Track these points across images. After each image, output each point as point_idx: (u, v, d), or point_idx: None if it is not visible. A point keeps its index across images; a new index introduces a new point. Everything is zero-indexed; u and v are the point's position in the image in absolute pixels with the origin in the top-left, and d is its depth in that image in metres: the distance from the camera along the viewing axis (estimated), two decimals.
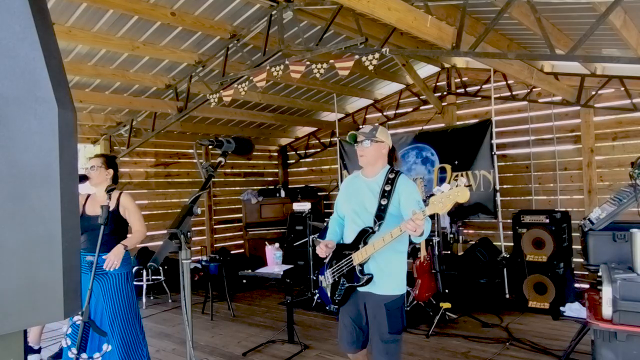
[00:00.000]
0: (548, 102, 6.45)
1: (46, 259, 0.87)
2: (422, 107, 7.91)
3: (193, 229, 1.81)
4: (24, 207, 0.85)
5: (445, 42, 3.82)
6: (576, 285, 5.72)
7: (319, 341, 4.70)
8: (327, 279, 2.86)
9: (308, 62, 4.50)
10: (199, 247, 8.39)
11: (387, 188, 2.66)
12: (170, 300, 6.64)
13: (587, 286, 5.71)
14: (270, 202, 8.50)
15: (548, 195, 6.64)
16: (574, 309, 5.11)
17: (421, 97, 7.76)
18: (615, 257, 3.13)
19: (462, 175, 6.34)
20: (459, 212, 6.29)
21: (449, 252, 6.28)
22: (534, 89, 6.44)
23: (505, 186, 6.90)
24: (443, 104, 7.53)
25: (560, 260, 5.22)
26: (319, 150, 9.50)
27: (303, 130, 9.59)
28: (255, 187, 9.09)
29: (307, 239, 6.39)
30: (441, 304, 5.02)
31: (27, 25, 0.85)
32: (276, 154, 10.08)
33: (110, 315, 3.28)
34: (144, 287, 6.62)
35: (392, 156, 2.83)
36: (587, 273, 5.71)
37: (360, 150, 2.76)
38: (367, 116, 8.61)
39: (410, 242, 2.82)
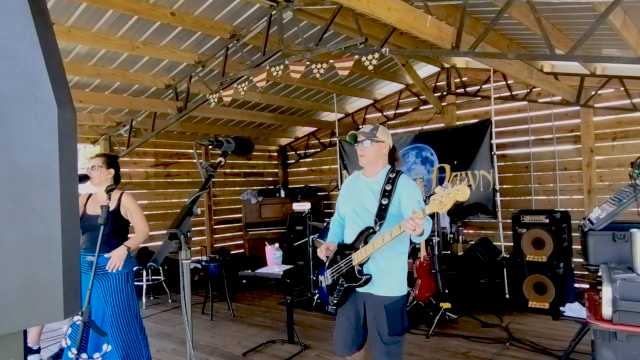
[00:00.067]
0: (548, 102, 6.45)
1: (46, 259, 0.87)
2: (422, 107, 7.91)
3: (193, 229, 1.81)
4: (24, 207, 0.85)
5: (445, 42, 3.82)
6: (576, 285, 5.72)
7: (319, 341, 4.70)
8: (326, 279, 2.85)
9: (308, 62, 4.50)
10: (199, 247, 8.39)
11: (388, 188, 2.65)
12: (170, 300, 6.64)
13: (587, 286, 5.72)
14: (270, 202, 8.50)
15: (548, 195, 6.64)
16: (574, 309, 5.11)
17: (421, 97, 7.76)
18: (615, 257, 3.13)
19: (461, 175, 6.34)
20: (458, 212, 6.29)
21: (449, 252, 6.28)
22: (533, 89, 6.44)
23: (505, 186, 6.90)
24: (443, 104, 7.53)
25: (560, 260, 5.22)
26: (318, 150, 9.50)
27: (303, 130, 9.59)
28: (255, 187, 9.10)
29: (307, 239, 6.39)
30: (441, 304, 5.02)
31: (27, 25, 0.85)
32: (276, 154, 10.08)
33: (111, 315, 3.28)
34: (144, 287, 6.62)
35: (392, 156, 2.81)
36: (587, 273, 5.71)
37: (360, 150, 2.74)
38: (367, 116, 8.61)
39: (411, 242, 2.79)
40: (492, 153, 6.15)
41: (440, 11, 4.13)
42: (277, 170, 10.11)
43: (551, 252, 5.17)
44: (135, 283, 3.64)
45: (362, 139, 2.72)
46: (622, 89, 5.69)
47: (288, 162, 10.12)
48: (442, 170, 6.27)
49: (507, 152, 6.99)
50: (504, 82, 6.62)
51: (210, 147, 1.99)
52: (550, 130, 6.60)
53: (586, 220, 3.46)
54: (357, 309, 2.74)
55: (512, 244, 5.69)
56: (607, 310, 2.67)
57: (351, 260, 2.68)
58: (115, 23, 4.48)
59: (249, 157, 9.18)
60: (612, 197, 3.43)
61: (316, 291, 5.87)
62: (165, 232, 2.18)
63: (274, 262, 4.82)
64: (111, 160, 3.56)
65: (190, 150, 8.34)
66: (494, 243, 6.35)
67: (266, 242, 5.30)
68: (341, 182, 7.84)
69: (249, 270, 5.01)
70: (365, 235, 2.64)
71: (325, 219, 7.04)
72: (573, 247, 5.57)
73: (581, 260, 3.88)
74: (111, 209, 3.27)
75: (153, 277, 6.77)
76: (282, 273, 4.57)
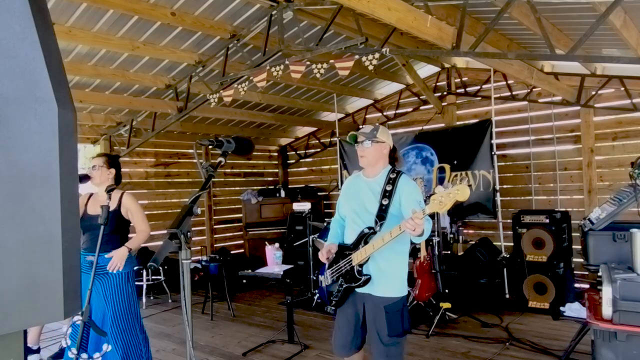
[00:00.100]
0: (548, 102, 6.45)
1: (46, 259, 0.88)
2: (422, 107, 7.91)
3: (193, 229, 1.81)
4: (24, 207, 0.85)
5: (445, 42, 3.82)
6: (576, 285, 5.72)
7: (319, 341, 4.70)
8: (326, 279, 2.84)
9: (308, 62, 4.50)
10: (199, 247, 8.39)
11: (389, 188, 2.63)
12: (170, 300, 6.64)
13: (587, 286, 5.72)
14: (270, 202, 8.50)
15: (548, 195, 6.64)
16: (574, 309, 5.11)
17: (421, 97, 7.76)
18: (615, 257, 3.13)
19: (461, 175, 6.34)
20: (458, 212, 6.29)
21: (449, 252, 6.28)
22: (534, 89, 6.44)
23: (505, 186, 6.90)
24: (443, 104, 7.53)
25: (560, 260, 5.22)
26: (319, 150, 9.50)
27: (303, 130, 9.59)
28: (255, 187, 9.10)
29: (307, 239, 6.39)
30: (441, 304, 5.02)
31: (27, 25, 0.85)
32: (276, 154, 10.08)
33: (111, 315, 3.28)
34: (144, 287, 6.62)
35: (393, 156, 2.80)
36: (587, 273, 5.71)
37: (360, 151, 2.73)
38: (367, 116, 8.61)
39: (411, 242, 2.77)
40: (492, 153, 6.15)
41: (440, 11, 4.13)
42: (277, 170, 10.11)
43: (551, 252, 5.17)
44: (136, 283, 3.64)
45: (362, 140, 2.70)
46: (622, 89, 5.69)
47: (288, 162, 10.12)
48: (442, 170, 6.27)
49: (507, 152, 6.99)
50: (504, 82, 6.62)
51: (210, 147, 1.99)
52: (550, 130, 6.60)
53: (586, 220, 3.46)
54: (357, 310, 2.72)
55: (512, 244, 5.69)
56: (607, 310, 2.67)
57: (351, 260, 2.67)
58: (115, 23, 4.48)
59: (249, 157, 9.18)
60: (612, 197, 3.43)
61: (316, 291, 5.87)
62: (165, 232, 2.18)
63: (274, 262, 4.82)
64: (112, 160, 3.56)
65: (191, 150, 8.34)
66: (494, 243, 6.35)
67: (266, 242, 5.31)
68: (341, 182, 7.84)
69: (249, 270, 5.01)
70: (366, 235, 2.62)
71: (326, 219, 7.04)
72: (573, 247, 5.57)
73: (581, 260, 3.87)
74: (112, 209, 3.27)
75: (153, 277, 6.77)
76: (282, 273, 4.57)
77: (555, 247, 5.17)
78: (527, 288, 5.34)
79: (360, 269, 2.64)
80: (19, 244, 0.84)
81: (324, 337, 4.78)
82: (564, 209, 5.84)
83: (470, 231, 7.20)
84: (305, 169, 9.93)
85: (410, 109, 8.07)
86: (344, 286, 2.70)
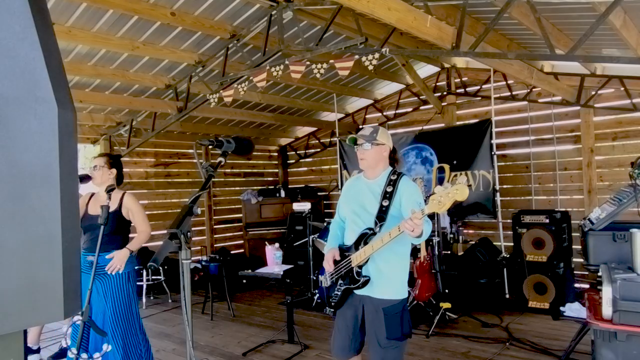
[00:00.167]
0: (548, 102, 6.45)
1: (46, 259, 0.88)
2: (422, 107, 7.91)
3: (193, 229, 1.81)
4: (24, 207, 0.85)
5: (445, 42, 3.82)
6: (576, 285, 5.72)
7: (319, 341, 4.70)
8: (326, 280, 2.82)
9: (308, 62, 4.50)
10: (199, 247, 8.39)
11: (389, 189, 2.62)
12: (170, 300, 6.64)
13: (587, 286, 5.72)
14: (270, 202, 8.50)
15: (548, 195, 6.64)
16: (574, 309, 5.11)
17: (421, 97, 7.76)
18: (615, 257, 3.13)
19: (460, 175, 6.33)
20: (458, 212, 6.29)
21: (449, 252, 6.28)
22: (533, 89, 6.44)
23: (505, 186, 6.90)
24: (443, 104, 7.53)
25: (560, 260, 5.22)
26: (318, 150, 9.50)
27: (303, 130, 9.59)
28: (255, 187, 9.10)
29: (307, 239, 6.39)
30: (441, 304, 5.02)
31: (27, 25, 0.85)
32: (276, 154, 10.08)
33: (111, 314, 3.28)
34: (144, 287, 6.62)
35: (393, 157, 2.78)
36: (587, 273, 5.71)
37: (360, 153, 2.70)
38: (367, 116, 8.61)
39: (411, 243, 2.76)
40: (492, 153, 6.15)
41: (440, 11, 4.13)
42: (277, 170, 10.11)
43: (551, 252, 5.17)
44: (136, 283, 3.65)
45: (362, 142, 2.67)
46: (622, 89, 5.69)
47: (288, 162, 10.12)
48: (441, 170, 6.26)
49: (507, 152, 6.99)
50: (504, 82, 6.62)
51: (210, 147, 1.99)
52: (550, 130, 6.60)
53: (586, 220, 3.46)
54: (356, 312, 2.69)
55: (512, 244, 5.69)
56: (607, 310, 2.67)
57: (350, 261, 2.65)
58: (115, 23, 4.48)
59: (249, 157, 9.18)
60: (612, 197, 3.43)
61: (316, 291, 5.87)
62: (165, 232, 2.18)
63: (274, 262, 4.82)
64: (114, 160, 3.56)
65: (191, 150, 8.34)
66: (494, 243, 6.35)
67: (266, 242, 5.31)
68: (341, 182, 7.84)
69: (249, 270, 5.01)
70: (365, 236, 2.60)
71: (326, 219, 7.04)
72: (573, 247, 5.57)
73: (581, 260, 3.88)
74: (113, 209, 3.26)
75: (153, 277, 6.77)
76: (282, 273, 4.57)
77: (555, 247, 5.17)
78: (527, 288, 5.34)
79: (359, 270, 2.61)
80: (19, 244, 0.84)
81: (324, 337, 4.78)
82: (564, 209, 5.84)
83: (470, 231, 7.20)
84: (305, 169, 9.93)
85: (410, 109, 8.07)
86: (342, 287, 2.68)
